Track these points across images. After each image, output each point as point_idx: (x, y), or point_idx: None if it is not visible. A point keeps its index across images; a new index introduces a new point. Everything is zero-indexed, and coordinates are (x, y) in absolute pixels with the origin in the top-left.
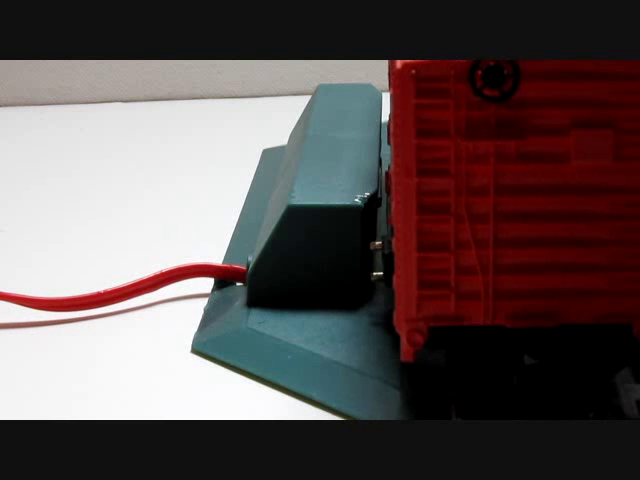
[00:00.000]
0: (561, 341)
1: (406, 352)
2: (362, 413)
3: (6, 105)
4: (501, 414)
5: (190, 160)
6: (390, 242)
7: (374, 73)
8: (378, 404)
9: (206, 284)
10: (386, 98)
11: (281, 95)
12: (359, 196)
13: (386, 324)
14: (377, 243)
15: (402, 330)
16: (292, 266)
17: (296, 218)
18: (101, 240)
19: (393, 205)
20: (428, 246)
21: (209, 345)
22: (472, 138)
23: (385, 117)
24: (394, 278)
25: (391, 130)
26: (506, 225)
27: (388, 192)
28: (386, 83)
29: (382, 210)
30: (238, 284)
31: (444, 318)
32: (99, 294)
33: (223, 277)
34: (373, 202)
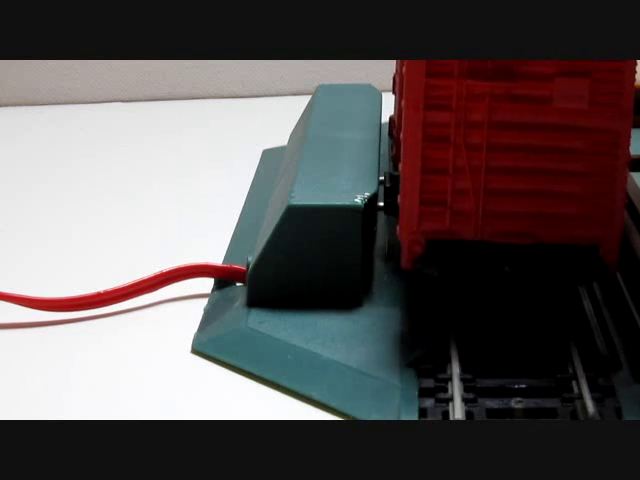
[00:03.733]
0: (536, 256)
1: (407, 260)
2: (362, 413)
3: (6, 105)
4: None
5: (190, 160)
6: (392, 175)
7: (374, 73)
8: (378, 404)
9: (206, 284)
10: (386, 98)
11: (281, 95)
12: (359, 196)
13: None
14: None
15: (404, 241)
16: (292, 266)
17: (296, 218)
18: (101, 240)
19: (402, 135)
20: (430, 170)
21: (209, 345)
22: (472, 79)
23: (385, 117)
24: (399, 198)
25: (403, 71)
26: (496, 155)
27: (391, 135)
28: (386, 83)
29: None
30: (238, 284)
31: (440, 232)
32: (99, 294)
33: (223, 277)
34: (373, 202)
